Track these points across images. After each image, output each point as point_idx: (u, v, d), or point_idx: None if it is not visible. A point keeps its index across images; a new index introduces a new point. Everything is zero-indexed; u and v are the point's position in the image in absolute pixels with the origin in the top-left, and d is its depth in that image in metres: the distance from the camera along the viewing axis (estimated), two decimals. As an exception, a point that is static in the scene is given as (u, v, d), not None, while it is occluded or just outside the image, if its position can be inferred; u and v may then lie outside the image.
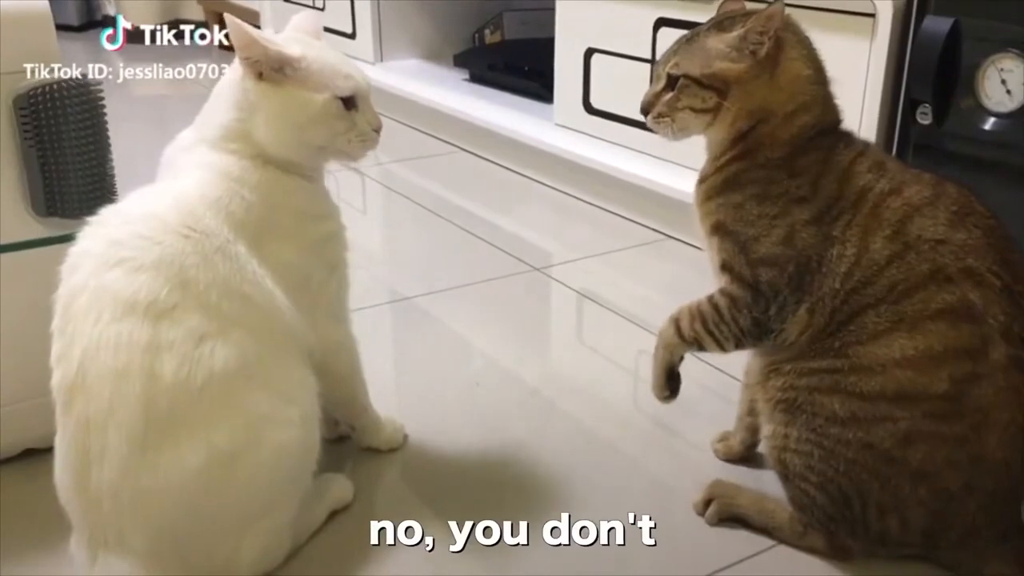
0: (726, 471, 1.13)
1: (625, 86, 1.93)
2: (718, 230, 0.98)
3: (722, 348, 1.00)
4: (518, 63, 2.54)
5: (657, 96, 0.99)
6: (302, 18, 1.05)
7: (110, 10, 3.95)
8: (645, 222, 1.93)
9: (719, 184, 0.98)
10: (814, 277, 0.93)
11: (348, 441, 1.19)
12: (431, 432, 1.23)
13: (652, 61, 1.84)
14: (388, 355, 1.49)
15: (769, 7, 0.92)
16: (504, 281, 1.73)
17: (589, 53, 2.01)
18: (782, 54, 0.94)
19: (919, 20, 1.33)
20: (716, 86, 0.95)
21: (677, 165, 1.81)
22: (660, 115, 0.99)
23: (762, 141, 0.96)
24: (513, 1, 2.90)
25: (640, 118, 1.89)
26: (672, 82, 0.97)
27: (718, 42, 0.95)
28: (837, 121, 0.98)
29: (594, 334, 1.60)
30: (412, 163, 2.40)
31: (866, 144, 0.99)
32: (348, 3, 2.82)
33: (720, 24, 0.97)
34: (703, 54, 0.96)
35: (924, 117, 1.35)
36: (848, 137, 0.98)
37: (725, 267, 0.97)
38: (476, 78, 2.63)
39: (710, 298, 0.99)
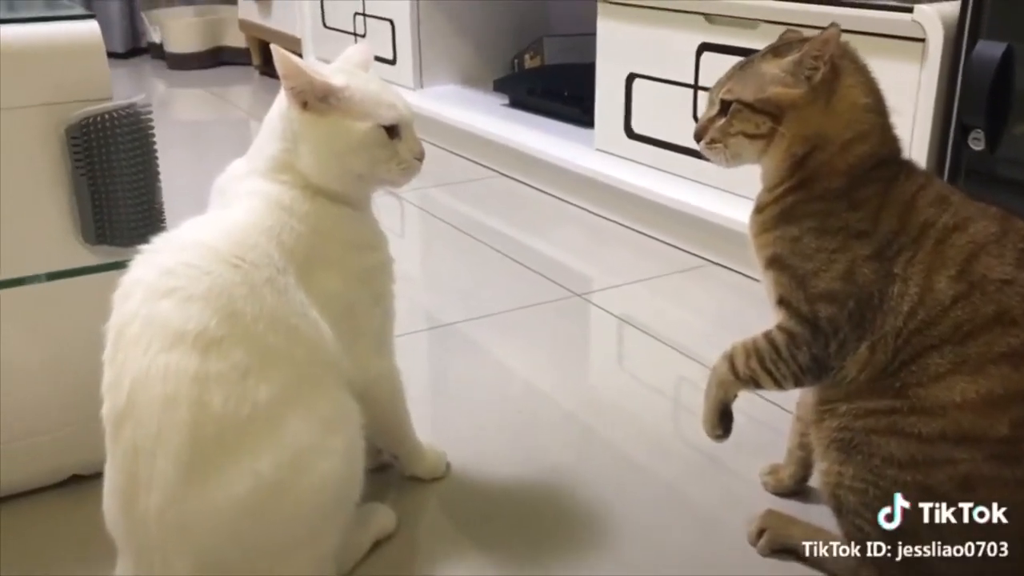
0: (775, 503, 1.11)
1: (668, 111, 1.92)
2: (774, 263, 0.95)
3: (779, 386, 0.97)
4: (558, 88, 2.54)
5: (710, 122, 0.98)
6: (354, 50, 1.07)
7: (155, 37, 4.02)
8: (686, 247, 1.91)
9: (775, 216, 0.96)
10: (875, 314, 0.90)
11: (391, 470, 1.18)
12: (472, 460, 1.22)
13: (695, 86, 1.83)
14: (429, 382, 1.49)
15: (824, 31, 0.91)
16: (544, 307, 1.72)
17: (631, 78, 2.01)
18: (839, 81, 0.92)
19: (970, 45, 1.31)
20: (770, 111, 0.93)
21: (719, 190, 1.80)
22: (713, 141, 0.97)
23: (819, 171, 0.94)
24: (553, 27, 2.91)
25: (683, 143, 1.90)
26: (725, 107, 0.96)
27: (773, 67, 0.94)
28: (897, 151, 0.96)
29: (635, 361, 1.59)
30: (452, 188, 2.40)
31: (928, 176, 0.96)
32: (389, 29, 2.85)
33: (776, 50, 0.95)
34: (757, 79, 0.94)
35: (977, 143, 1.32)
36: (909, 168, 0.95)
37: (782, 302, 0.95)
38: (516, 103, 2.63)
39: (767, 334, 0.97)
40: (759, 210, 0.99)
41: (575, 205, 2.21)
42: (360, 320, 1.01)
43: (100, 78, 1.04)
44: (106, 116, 1.03)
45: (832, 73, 0.92)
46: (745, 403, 1.03)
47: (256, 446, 0.85)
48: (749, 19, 1.69)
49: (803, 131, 0.93)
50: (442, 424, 1.34)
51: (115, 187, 1.05)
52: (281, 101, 0.99)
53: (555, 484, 1.19)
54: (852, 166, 0.93)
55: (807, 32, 0.97)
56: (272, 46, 0.96)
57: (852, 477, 0.91)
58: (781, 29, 1.03)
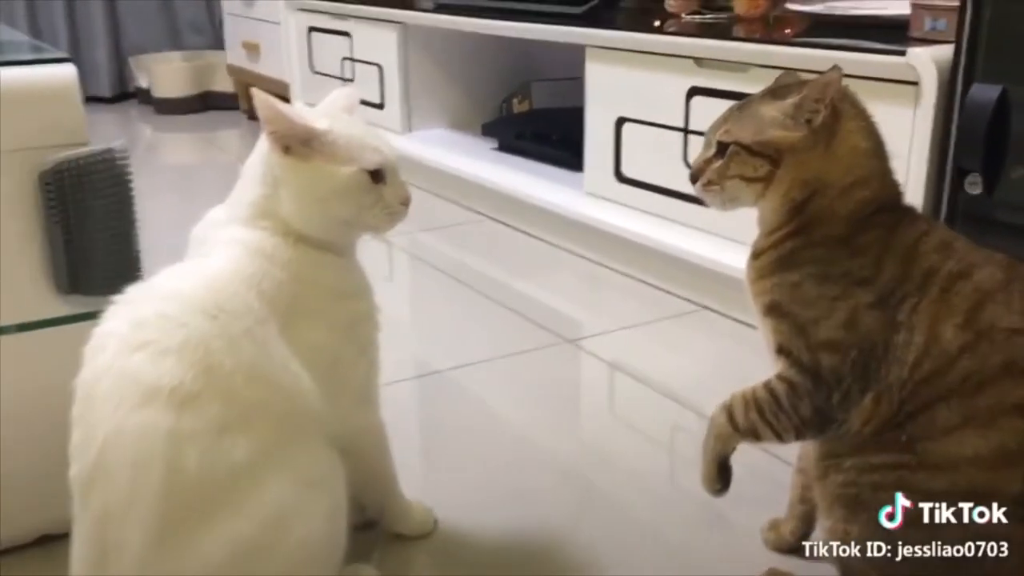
0: (777, 560, 1.07)
1: (658, 155, 1.91)
2: (773, 311, 0.92)
3: (780, 439, 0.93)
4: (546, 132, 2.53)
5: (707, 163, 0.95)
6: (339, 94, 1.05)
7: (142, 82, 4.02)
8: (678, 292, 1.89)
9: (774, 262, 0.93)
10: (879, 364, 0.87)
11: (375, 527, 1.13)
12: (461, 514, 1.17)
13: (685, 130, 1.82)
14: (416, 432, 1.44)
15: (825, 75, 0.89)
16: (535, 353, 1.68)
17: (620, 122, 1.99)
18: (839, 125, 0.90)
19: (965, 88, 1.30)
20: (768, 154, 0.91)
21: (711, 234, 1.78)
22: (709, 183, 0.94)
23: (819, 216, 0.91)
24: (541, 71, 2.91)
25: (673, 187, 1.88)
26: (722, 149, 0.93)
27: (772, 110, 0.91)
28: (897, 197, 0.93)
29: (628, 409, 1.55)
30: (440, 232, 2.38)
31: (930, 221, 0.94)
32: (377, 73, 2.84)
33: (774, 92, 0.93)
34: (755, 121, 0.92)
35: (973, 187, 1.30)
36: (911, 214, 0.93)
37: (782, 350, 0.92)
38: (504, 147, 2.62)
39: (767, 384, 0.93)
40: (756, 256, 0.96)
41: (565, 249, 2.18)
42: (345, 372, 0.97)
43: (76, 123, 1.01)
44: (81, 162, 1.00)
45: (832, 117, 0.89)
46: (744, 454, 1.00)
47: (234, 508, 0.81)
48: (739, 63, 1.68)
49: (802, 175, 0.91)
50: (430, 477, 1.30)
51: (90, 235, 1.01)
52: (262, 146, 0.96)
53: (547, 539, 1.15)
54: (853, 211, 0.90)
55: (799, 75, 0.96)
56: (252, 90, 0.93)
57: (858, 535, 0.88)
58: (771, 73, 1.01)
